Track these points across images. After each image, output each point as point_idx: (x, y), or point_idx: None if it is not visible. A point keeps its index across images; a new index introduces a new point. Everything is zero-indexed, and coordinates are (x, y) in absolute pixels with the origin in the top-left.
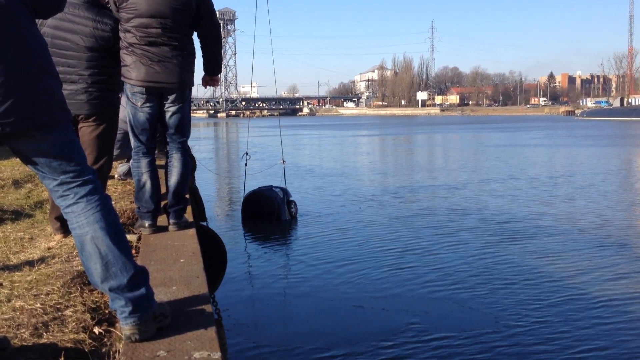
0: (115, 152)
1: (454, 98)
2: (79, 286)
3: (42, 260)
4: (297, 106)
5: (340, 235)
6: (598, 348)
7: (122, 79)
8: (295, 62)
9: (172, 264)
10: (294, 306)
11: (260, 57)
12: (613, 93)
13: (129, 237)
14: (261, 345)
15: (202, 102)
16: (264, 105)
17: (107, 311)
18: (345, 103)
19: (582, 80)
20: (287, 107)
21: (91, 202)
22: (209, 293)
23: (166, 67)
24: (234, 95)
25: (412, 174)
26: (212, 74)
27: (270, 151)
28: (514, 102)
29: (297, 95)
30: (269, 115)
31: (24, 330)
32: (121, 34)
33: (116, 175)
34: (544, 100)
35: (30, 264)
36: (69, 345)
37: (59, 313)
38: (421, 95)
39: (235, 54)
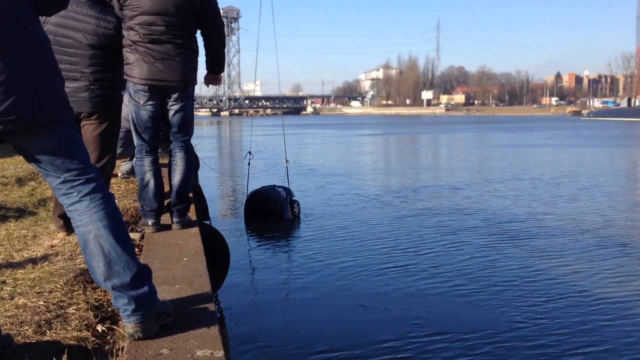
0: (118, 150)
1: (459, 97)
2: (82, 284)
3: (45, 258)
4: (301, 105)
5: (343, 234)
6: (599, 347)
7: (125, 77)
8: (299, 60)
9: (175, 263)
10: (297, 305)
11: (264, 55)
12: (620, 93)
13: (132, 235)
14: (264, 343)
15: (206, 100)
16: (268, 104)
17: (110, 309)
18: (351, 102)
19: (589, 80)
20: (291, 106)
21: (94, 200)
22: (212, 292)
23: (169, 65)
24: (238, 94)
25: (416, 174)
26: (214, 73)
27: (274, 150)
28: (520, 102)
29: (301, 94)
30: (273, 114)
31: (27, 327)
32: (124, 32)
33: (119, 174)
34: (556, 100)
35: (34, 261)
36: (72, 342)
37: (62, 311)
38: (426, 95)
39: (239, 52)
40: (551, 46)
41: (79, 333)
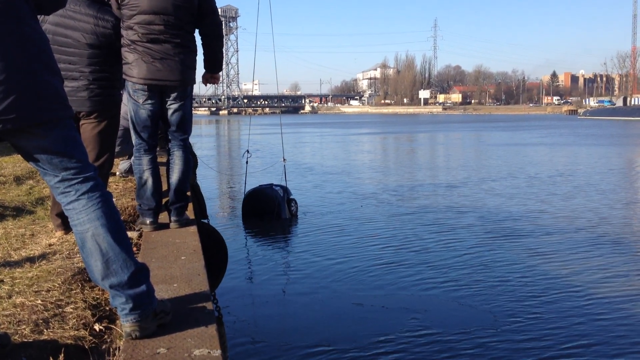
0: (116, 148)
1: (456, 96)
2: (79, 283)
3: (43, 256)
4: (299, 104)
5: (340, 233)
6: (592, 343)
7: (124, 76)
8: (297, 59)
9: (173, 262)
10: (294, 303)
11: (263, 54)
12: (616, 92)
13: (130, 234)
14: (261, 342)
15: (204, 99)
16: (266, 102)
17: (107, 308)
18: (351, 101)
19: (585, 79)
20: (289, 104)
21: (92, 199)
22: (210, 290)
23: (168, 65)
24: (236, 93)
25: (413, 173)
26: (212, 72)
27: (272, 149)
28: (517, 101)
29: (299, 93)
30: (271, 112)
31: (24, 326)
32: (123, 32)
33: (118, 172)
34: (557, 99)
35: (31, 260)
36: (69, 341)
37: (60, 310)
38: (423, 94)
39: (237, 51)
40: (547, 45)
41: (76, 332)
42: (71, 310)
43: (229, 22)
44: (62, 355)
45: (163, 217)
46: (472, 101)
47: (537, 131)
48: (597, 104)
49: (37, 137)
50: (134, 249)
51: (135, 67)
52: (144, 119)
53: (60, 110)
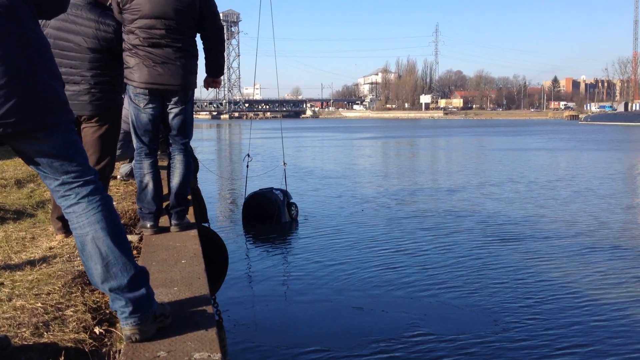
0: (117, 152)
1: (457, 101)
2: (80, 286)
3: (43, 259)
4: (301, 108)
5: (340, 236)
6: (589, 346)
7: (125, 80)
8: (298, 64)
9: (174, 265)
10: (294, 307)
11: (264, 59)
12: (617, 98)
13: (131, 237)
14: (261, 346)
15: (205, 103)
16: (267, 107)
17: (108, 311)
18: (354, 106)
19: (586, 84)
20: (290, 109)
21: (92, 203)
22: (210, 294)
23: (169, 69)
24: (237, 97)
25: (413, 177)
26: (214, 76)
27: (272, 153)
28: (518, 106)
29: (300, 97)
30: (272, 117)
31: (24, 329)
32: (124, 36)
33: (118, 176)
34: (565, 104)
35: (32, 263)
36: (69, 345)
37: (60, 313)
38: (425, 99)
39: (238, 56)
40: (548, 51)
41: (76, 335)
42: (71, 313)
43: (231, 26)
44: (62, 358)
45: (164, 220)
46: (474, 106)
47: (538, 136)
48: (598, 110)
49: (38, 140)
50: (134, 252)
51: (136, 71)
52: (145, 123)
53: (61, 114)
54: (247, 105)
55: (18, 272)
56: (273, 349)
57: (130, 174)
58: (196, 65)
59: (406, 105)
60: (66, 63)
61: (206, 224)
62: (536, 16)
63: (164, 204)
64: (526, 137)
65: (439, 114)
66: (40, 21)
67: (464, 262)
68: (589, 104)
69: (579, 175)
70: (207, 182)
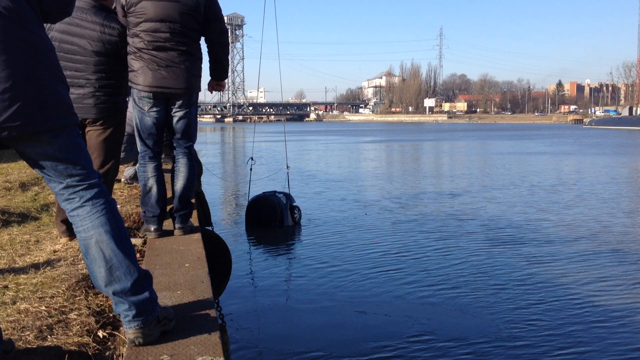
0: (121, 155)
1: (461, 105)
2: (83, 289)
3: (47, 263)
4: (305, 112)
5: (343, 240)
6: (589, 350)
7: (130, 84)
8: (302, 67)
9: (177, 269)
10: (297, 311)
11: (268, 62)
12: (622, 102)
13: (134, 240)
14: (264, 350)
15: (210, 106)
16: (271, 110)
17: (111, 315)
18: (360, 110)
19: (590, 88)
20: (294, 112)
21: (96, 206)
22: (213, 298)
23: (173, 72)
24: (241, 100)
25: (417, 180)
26: (218, 79)
27: (276, 156)
28: (522, 110)
29: (304, 101)
30: (276, 120)
31: (28, 332)
32: (129, 39)
33: (122, 179)
34: (575, 108)
35: (36, 266)
36: (73, 348)
37: (64, 316)
38: (429, 102)
39: (243, 59)
40: (553, 55)
41: (80, 338)
42: (75, 316)
43: (235, 30)
44: None
45: (167, 224)
46: (478, 110)
47: (542, 140)
48: (602, 114)
49: (42, 144)
50: (138, 255)
51: (140, 74)
52: (149, 126)
53: (66, 117)
54: (251, 108)
55: (22, 275)
56: (276, 352)
57: (134, 177)
58: (200, 68)
59: (410, 108)
60: (71, 66)
61: (210, 228)
62: (540, 20)
63: (168, 208)
64: (530, 141)
65: (443, 118)
66: (45, 24)
67: (466, 265)
68: (593, 108)
69: (581, 179)
70: (211, 186)
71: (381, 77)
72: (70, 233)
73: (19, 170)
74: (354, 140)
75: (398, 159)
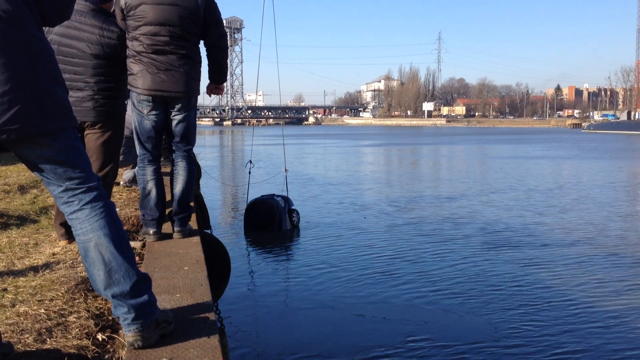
0: (120, 158)
1: (460, 109)
2: (83, 292)
3: (46, 266)
4: (303, 115)
5: (342, 243)
6: (583, 353)
7: (129, 87)
8: (301, 71)
9: (176, 272)
10: (296, 314)
11: (267, 65)
12: (620, 106)
13: (133, 244)
14: (262, 353)
15: (208, 110)
16: (270, 113)
17: (110, 318)
18: (360, 113)
19: (589, 93)
20: (293, 116)
21: (95, 209)
22: (212, 301)
23: (173, 76)
24: (240, 104)
25: (415, 184)
26: (217, 82)
27: (274, 160)
28: (521, 114)
29: (303, 104)
30: (275, 123)
31: (27, 335)
32: (128, 42)
33: (121, 182)
34: (579, 112)
35: (35, 269)
36: (72, 351)
37: (63, 319)
38: (427, 106)
39: (241, 62)
40: (551, 59)
41: (79, 341)
42: (74, 319)
43: (234, 33)
44: None
45: (166, 227)
46: (476, 114)
47: (540, 144)
48: (601, 118)
49: (41, 147)
50: (137, 258)
51: (140, 78)
52: (148, 129)
53: (65, 120)
54: (249, 111)
55: (21, 278)
56: (274, 355)
57: (133, 180)
58: (199, 72)
59: (409, 112)
60: (70, 69)
61: (209, 231)
62: (539, 25)
63: (167, 211)
64: (528, 145)
65: (441, 122)
66: (44, 28)
67: (463, 269)
68: (591, 113)
69: (579, 183)
70: (210, 189)
71: (380, 81)
72: (69, 236)
73: (18, 173)
74: (352, 144)
75: (396, 162)
